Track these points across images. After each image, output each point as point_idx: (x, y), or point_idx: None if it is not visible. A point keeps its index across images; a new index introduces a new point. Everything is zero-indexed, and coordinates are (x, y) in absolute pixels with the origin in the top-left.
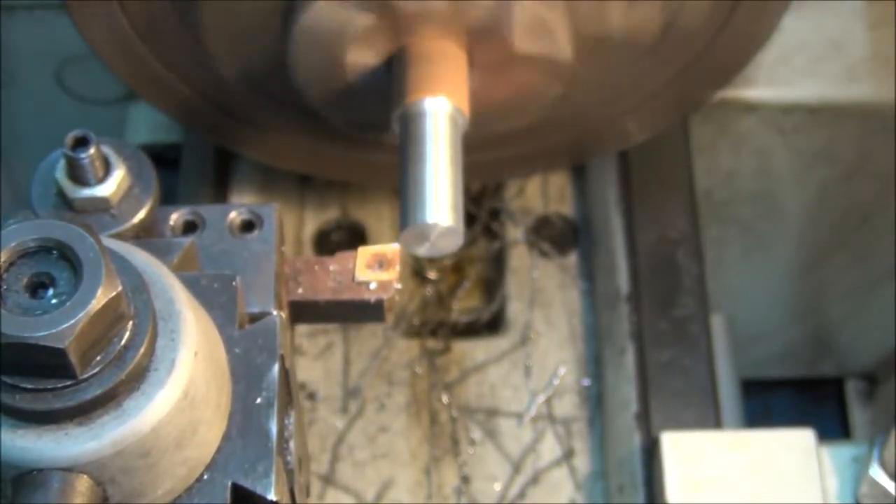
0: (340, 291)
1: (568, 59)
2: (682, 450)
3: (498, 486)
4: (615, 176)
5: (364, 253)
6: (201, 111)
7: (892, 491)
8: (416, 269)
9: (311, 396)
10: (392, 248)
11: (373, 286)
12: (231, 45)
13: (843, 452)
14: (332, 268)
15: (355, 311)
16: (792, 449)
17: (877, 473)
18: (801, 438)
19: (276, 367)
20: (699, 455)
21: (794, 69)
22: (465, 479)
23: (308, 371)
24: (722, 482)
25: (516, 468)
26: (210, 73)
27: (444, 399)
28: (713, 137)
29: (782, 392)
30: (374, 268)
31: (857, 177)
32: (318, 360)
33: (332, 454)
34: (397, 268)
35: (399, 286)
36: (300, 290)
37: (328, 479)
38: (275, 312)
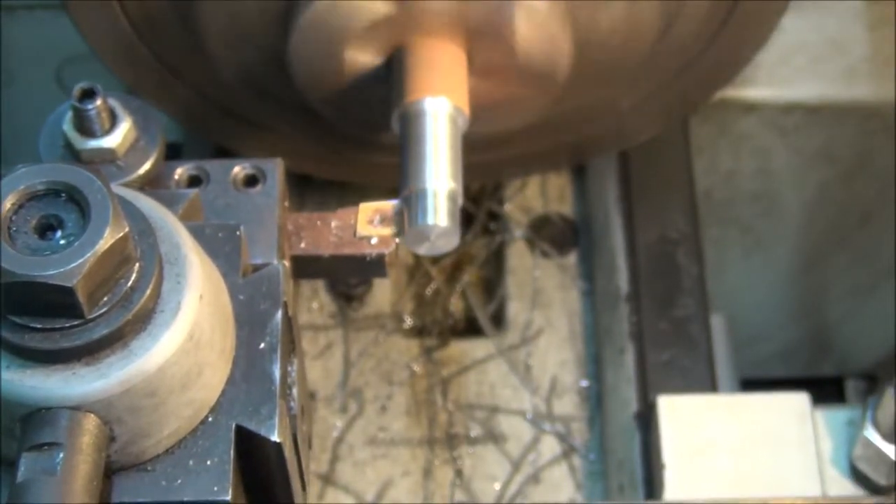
0: (342, 246)
1: (568, 58)
2: (678, 412)
3: (497, 486)
4: (615, 176)
5: (365, 209)
6: (201, 111)
7: (887, 452)
8: (416, 268)
9: (312, 396)
10: (392, 204)
11: (374, 241)
12: (231, 45)
13: (837, 415)
14: (333, 223)
15: (356, 266)
16: (786, 412)
17: (871, 434)
18: (795, 401)
19: (279, 314)
20: (695, 418)
21: (794, 69)
22: (465, 479)
23: (308, 371)
24: (717, 444)
25: (516, 467)
26: (210, 73)
27: (444, 398)
28: (713, 137)
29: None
30: (375, 223)
31: (857, 176)
32: (317, 359)
33: (331, 454)
34: (398, 223)
35: (399, 240)
36: (302, 245)
37: (328, 479)
38: (277, 262)
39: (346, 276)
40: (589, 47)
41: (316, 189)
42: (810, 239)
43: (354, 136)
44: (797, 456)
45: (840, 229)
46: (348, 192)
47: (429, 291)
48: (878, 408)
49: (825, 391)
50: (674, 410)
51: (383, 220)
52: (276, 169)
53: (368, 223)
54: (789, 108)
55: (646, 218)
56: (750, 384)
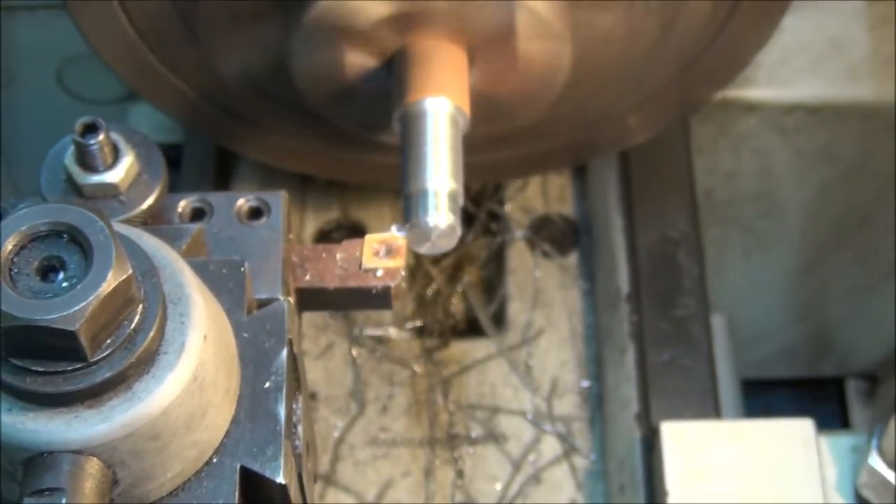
0: (347, 279)
1: (568, 58)
2: (681, 439)
3: (498, 486)
4: (616, 176)
5: (371, 241)
6: (202, 111)
7: (892, 480)
8: (417, 269)
9: (313, 396)
10: (398, 236)
11: (379, 273)
12: (232, 46)
13: (842, 442)
14: (338, 255)
15: (362, 299)
16: (791, 439)
17: (876, 462)
18: (800, 428)
19: (284, 352)
20: (698, 444)
21: (794, 69)
22: (466, 479)
23: (309, 371)
24: (721, 472)
25: (517, 468)
26: (211, 74)
27: (445, 398)
28: (714, 137)
29: (783, 392)
30: (381, 255)
31: (857, 177)
32: (318, 360)
33: (332, 454)
34: (404, 255)
35: (404, 273)
36: (307, 278)
37: (329, 479)
38: (282, 298)
39: (352, 309)
40: (589, 47)
41: (316, 189)
42: (811, 239)
43: (355, 136)
44: (802, 483)
45: (840, 229)
46: (349, 192)
47: (430, 292)
48: (883, 435)
49: (825, 391)
50: (677, 437)
51: (389, 252)
52: (279, 201)
53: (374, 255)
54: (790, 109)
55: (646, 218)
56: (750, 384)
